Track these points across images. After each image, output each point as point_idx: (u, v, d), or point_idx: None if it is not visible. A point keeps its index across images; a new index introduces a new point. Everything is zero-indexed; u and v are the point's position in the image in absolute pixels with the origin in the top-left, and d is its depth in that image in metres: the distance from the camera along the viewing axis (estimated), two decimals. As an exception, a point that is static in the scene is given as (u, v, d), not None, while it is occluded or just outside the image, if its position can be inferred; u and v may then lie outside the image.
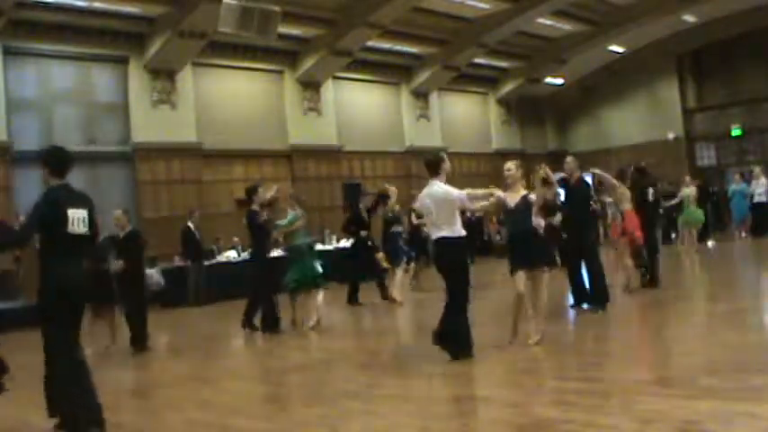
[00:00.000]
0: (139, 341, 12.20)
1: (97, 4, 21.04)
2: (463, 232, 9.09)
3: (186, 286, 19.74)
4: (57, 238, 6.67)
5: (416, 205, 9.82)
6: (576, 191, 12.22)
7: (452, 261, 9.03)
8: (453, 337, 8.85)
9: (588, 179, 13.32)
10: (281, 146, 25.82)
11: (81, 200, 6.93)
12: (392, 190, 16.81)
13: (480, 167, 32.31)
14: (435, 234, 9.05)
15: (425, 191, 9.19)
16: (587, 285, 12.28)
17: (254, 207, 13.03)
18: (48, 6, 20.28)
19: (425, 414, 6.73)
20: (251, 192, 13.24)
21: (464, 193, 9.08)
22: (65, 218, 6.63)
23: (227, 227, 22.45)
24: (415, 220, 17.19)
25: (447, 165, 9.22)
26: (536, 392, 7.24)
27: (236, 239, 21.57)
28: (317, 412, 7.15)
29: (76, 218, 6.71)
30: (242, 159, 24.77)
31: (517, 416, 6.36)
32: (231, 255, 21.25)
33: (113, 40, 21.92)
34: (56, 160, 6.91)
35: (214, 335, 14.40)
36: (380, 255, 16.41)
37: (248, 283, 13.67)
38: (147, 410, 8.15)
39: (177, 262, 20.26)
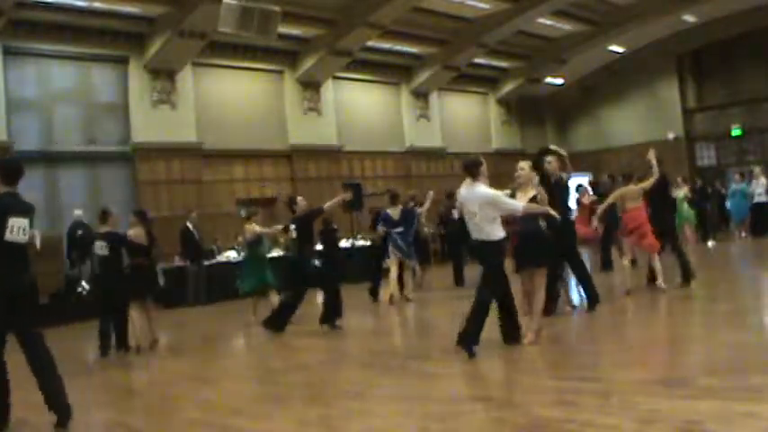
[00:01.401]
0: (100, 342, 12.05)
1: (97, 4, 21.00)
2: (502, 234, 9.24)
3: (186, 286, 19.74)
4: None
5: (456, 204, 9.83)
6: (554, 194, 12.14)
7: (490, 263, 9.21)
8: (475, 336, 8.92)
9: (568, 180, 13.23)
10: (282, 146, 25.83)
11: (25, 209, 7.14)
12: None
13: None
14: (477, 236, 9.24)
15: (466, 192, 9.25)
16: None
17: (298, 214, 13.11)
18: (48, 6, 20.25)
19: (425, 414, 6.70)
20: (292, 202, 13.33)
21: (520, 204, 9.23)
22: (3, 226, 6.84)
23: (227, 227, 22.43)
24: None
25: (485, 167, 9.28)
26: (536, 392, 7.20)
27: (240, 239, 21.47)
28: (318, 412, 7.14)
29: (17, 227, 6.93)
30: (242, 159, 24.79)
31: (517, 416, 6.33)
32: (231, 255, 21.19)
33: (113, 40, 21.92)
34: (7, 169, 7.15)
35: (214, 335, 14.35)
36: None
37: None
38: (148, 410, 8.13)
39: (177, 262, 20.21)
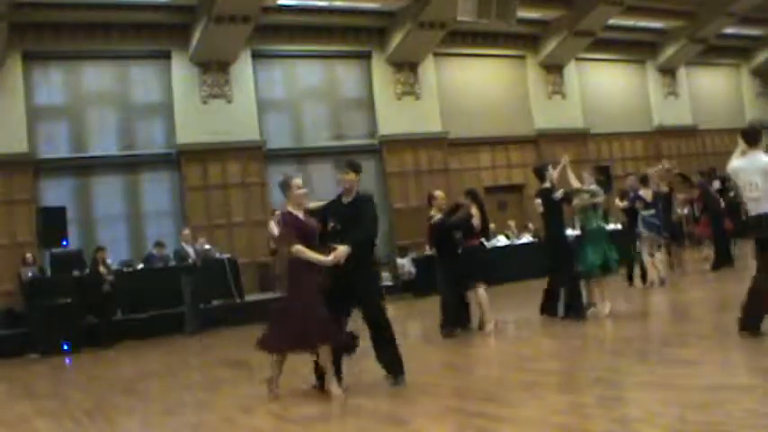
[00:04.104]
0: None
1: (338, 3, 21.23)
2: None
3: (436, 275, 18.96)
4: None
5: (731, 174, 8.51)
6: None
7: None
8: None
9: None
10: (527, 131, 24.73)
11: None
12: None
13: (735, 144, 29.51)
14: (759, 209, 8.00)
15: (744, 163, 8.07)
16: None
17: (546, 185, 11.76)
18: (290, 9, 20.84)
19: (683, 403, 5.87)
20: (541, 170, 11.92)
21: None
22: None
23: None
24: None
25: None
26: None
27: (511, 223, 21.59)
28: (570, 400, 6.66)
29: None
30: (488, 146, 24.00)
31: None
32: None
33: (356, 36, 22.04)
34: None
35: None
36: None
37: (546, 267, 12.07)
38: (403, 396, 7.67)
39: (428, 251, 19.44)
